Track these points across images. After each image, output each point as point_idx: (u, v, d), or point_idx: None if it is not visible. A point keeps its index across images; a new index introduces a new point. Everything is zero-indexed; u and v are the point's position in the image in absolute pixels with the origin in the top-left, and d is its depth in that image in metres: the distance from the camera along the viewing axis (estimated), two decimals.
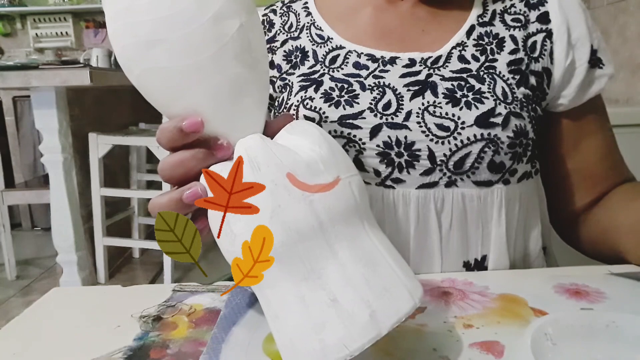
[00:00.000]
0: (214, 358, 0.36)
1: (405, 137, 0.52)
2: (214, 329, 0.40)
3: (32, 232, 3.31)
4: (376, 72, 0.55)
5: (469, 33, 0.56)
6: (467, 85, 0.52)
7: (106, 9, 0.35)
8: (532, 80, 0.55)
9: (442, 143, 0.51)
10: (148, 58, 0.34)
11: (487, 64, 0.54)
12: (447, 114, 0.51)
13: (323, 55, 0.59)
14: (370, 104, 0.53)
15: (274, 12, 0.66)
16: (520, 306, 0.43)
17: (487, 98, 0.51)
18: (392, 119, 0.52)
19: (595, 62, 0.57)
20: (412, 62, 0.55)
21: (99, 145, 2.16)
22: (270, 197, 0.31)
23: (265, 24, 0.65)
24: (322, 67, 0.58)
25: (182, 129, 0.34)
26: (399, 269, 0.33)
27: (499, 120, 0.50)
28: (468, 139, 0.50)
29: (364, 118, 0.52)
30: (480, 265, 0.54)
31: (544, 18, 0.56)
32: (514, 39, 0.55)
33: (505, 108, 0.51)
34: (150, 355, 0.38)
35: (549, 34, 0.56)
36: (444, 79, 0.53)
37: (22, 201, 2.44)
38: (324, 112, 0.54)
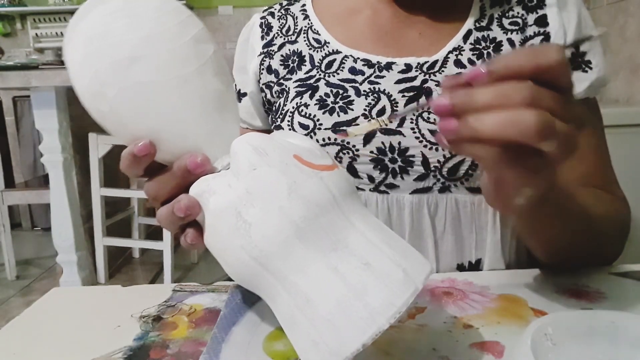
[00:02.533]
0: (214, 358, 0.36)
1: (399, 143, 0.52)
2: (214, 329, 0.40)
3: (32, 232, 3.30)
4: (372, 78, 0.55)
5: (465, 37, 0.56)
6: None
7: (74, 37, 0.35)
8: None
9: (436, 149, 0.51)
10: (129, 75, 0.34)
11: None
12: None
13: (319, 59, 0.59)
14: (365, 110, 0.53)
15: (272, 15, 0.66)
16: (520, 306, 0.43)
17: None
18: (386, 124, 0.52)
19: (578, 64, 0.55)
20: (408, 68, 0.55)
21: (99, 145, 2.16)
22: (284, 175, 0.31)
23: (263, 27, 0.65)
24: (318, 72, 0.58)
25: (135, 154, 0.35)
26: (402, 238, 0.35)
27: None
28: None
29: (358, 124, 0.53)
30: (474, 268, 0.54)
31: (542, 21, 0.55)
32: (511, 42, 0.55)
33: None
34: (150, 355, 0.38)
35: (547, 37, 0.55)
36: (439, 84, 0.53)
37: (22, 201, 2.44)
38: (318, 119, 0.54)
